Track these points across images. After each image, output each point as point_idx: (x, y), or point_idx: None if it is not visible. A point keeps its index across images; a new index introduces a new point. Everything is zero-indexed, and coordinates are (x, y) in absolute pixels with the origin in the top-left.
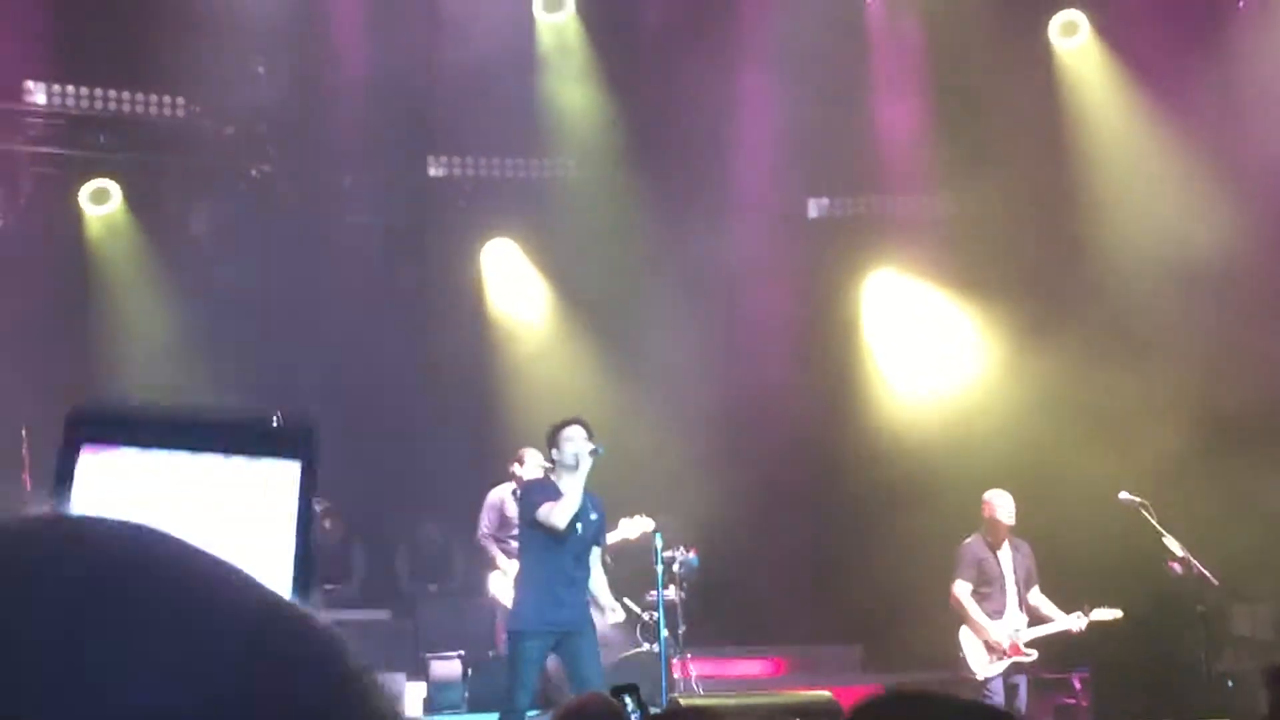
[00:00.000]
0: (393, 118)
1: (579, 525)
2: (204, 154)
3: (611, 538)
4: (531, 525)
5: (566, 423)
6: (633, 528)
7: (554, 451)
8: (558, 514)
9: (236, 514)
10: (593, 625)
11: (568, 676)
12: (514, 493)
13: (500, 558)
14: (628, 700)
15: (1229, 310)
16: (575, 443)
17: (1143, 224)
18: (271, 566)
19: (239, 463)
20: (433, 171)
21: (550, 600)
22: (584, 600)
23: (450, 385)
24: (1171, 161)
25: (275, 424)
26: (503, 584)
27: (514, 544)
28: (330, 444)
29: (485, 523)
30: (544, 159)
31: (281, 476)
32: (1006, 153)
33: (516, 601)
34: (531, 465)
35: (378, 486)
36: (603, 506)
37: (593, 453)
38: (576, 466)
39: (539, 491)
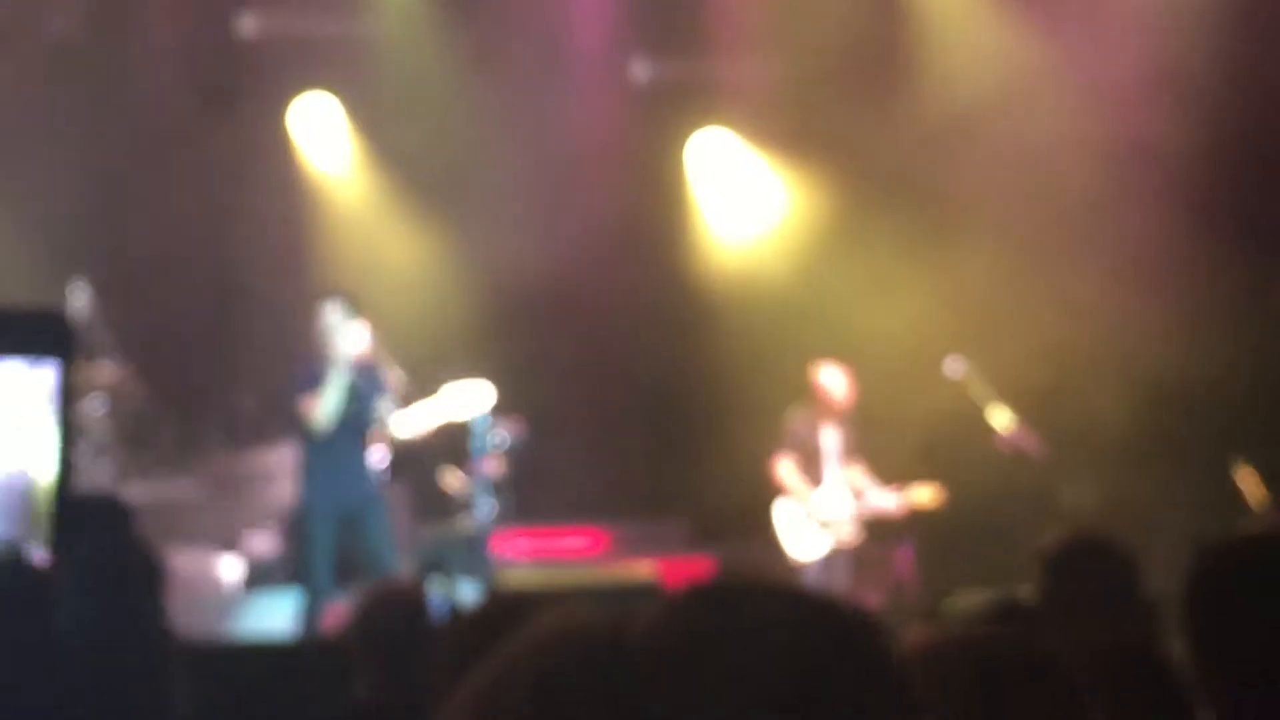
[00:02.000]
0: None
1: (353, 407)
2: None
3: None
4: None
5: (326, 297)
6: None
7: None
8: (319, 411)
9: None
10: (382, 502)
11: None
12: None
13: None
14: (434, 583)
15: (1066, 181)
16: (329, 322)
17: (976, 92)
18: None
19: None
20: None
21: (330, 480)
22: (368, 476)
23: (259, 247)
24: (1009, 30)
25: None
26: None
27: None
28: (134, 305)
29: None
30: (363, 15)
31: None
32: (837, 13)
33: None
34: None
35: (187, 349)
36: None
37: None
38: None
39: (303, 380)
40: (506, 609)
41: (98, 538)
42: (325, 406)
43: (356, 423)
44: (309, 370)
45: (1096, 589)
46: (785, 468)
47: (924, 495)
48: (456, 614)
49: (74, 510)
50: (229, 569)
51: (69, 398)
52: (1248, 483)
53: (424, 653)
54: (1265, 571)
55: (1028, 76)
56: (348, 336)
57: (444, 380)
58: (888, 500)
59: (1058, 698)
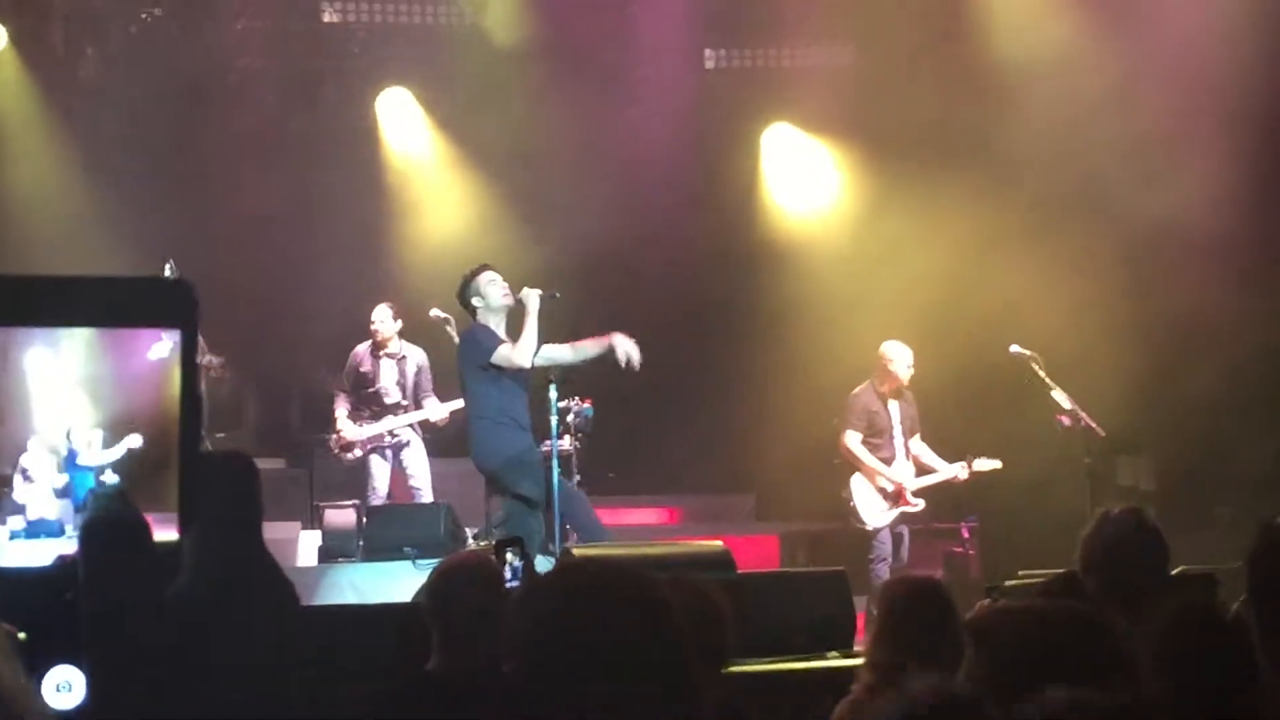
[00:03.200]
0: None
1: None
2: None
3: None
4: (486, 368)
5: (480, 269)
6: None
7: (476, 300)
8: (521, 354)
9: (114, 384)
10: None
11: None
12: (373, 351)
13: (339, 411)
14: (509, 555)
15: (1136, 174)
16: (498, 284)
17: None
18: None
19: (116, 334)
20: (327, 17)
21: (524, 434)
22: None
23: (340, 234)
24: (1084, 28)
25: (151, 291)
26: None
27: (362, 404)
28: (219, 292)
29: (345, 376)
30: (440, 6)
31: (159, 344)
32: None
33: (501, 433)
34: (380, 321)
35: (267, 334)
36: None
37: (550, 296)
38: (502, 309)
39: (487, 335)
40: (576, 580)
41: (226, 487)
42: (529, 347)
43: (527, 384)
44: (485, 330)
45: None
46: (854, 440)
47: (989, 466)
48: (528, 584)
49: (204, 465)
50: (306, 545)
51: (191, 364)
52: None
53: (494, 623)
54: None
55: (1085, 54)
56: (536, 296)
57: None
58: (954, 471)
59: (1110, 662)
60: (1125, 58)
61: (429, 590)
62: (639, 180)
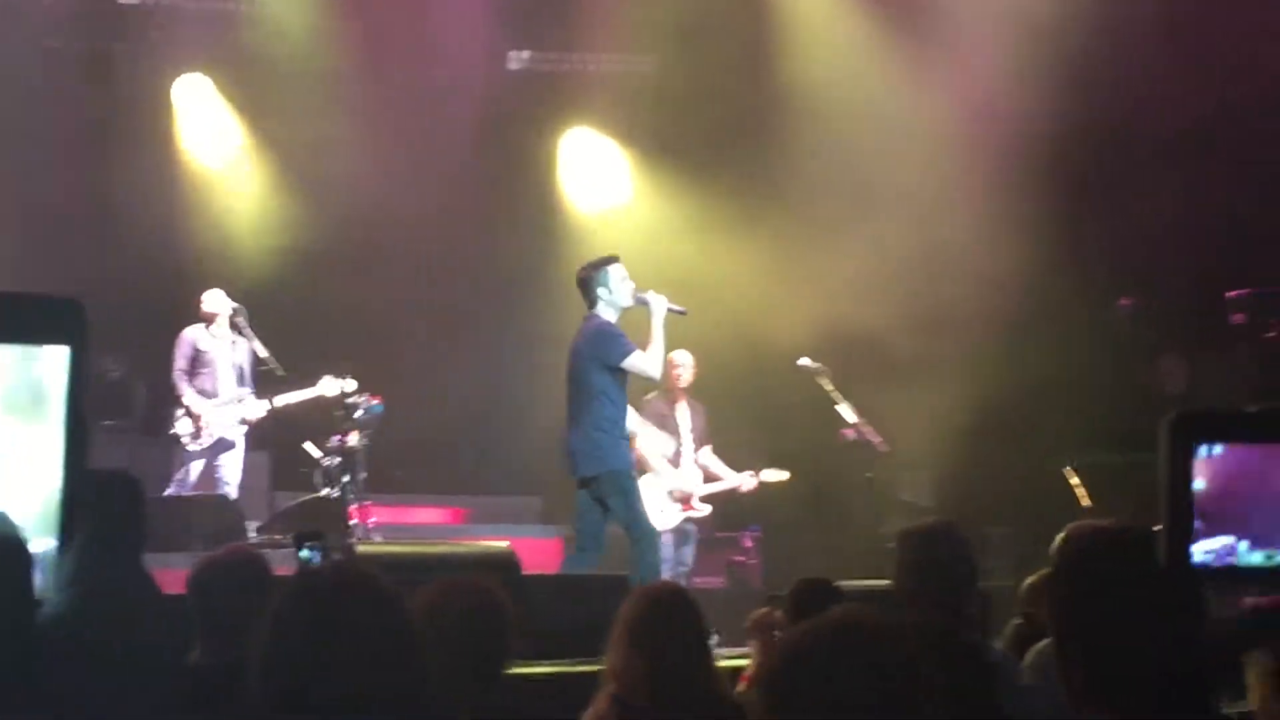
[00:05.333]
0: None
1: None
2: None
3: (308, 394)
4: (615, 370)
5: (610, 260)
6: (332, 386)
7: (602, 290)
8: (653, 364)
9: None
10: None
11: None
12: (207, 331)
13: (189, 394)
14: (304, 553)
15: (937, 181)
16: (629, 282)
17: (846, 96)
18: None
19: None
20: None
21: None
22: None
23: (133, 220)
24: (877, 40)
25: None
26: (186, 425)
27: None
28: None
29: (180, 360)
30: None
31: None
32: (708, 15)
33: (610, 443)
34: (212, 304)
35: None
36: None
37: (679, 312)
38: (627, 305)
39: (622, 337)
40: (312, 580)
41: (108, 507)
42: (659, 359)
43: None
44: (618, 329)
45: (943, 576)
46: (643, 443)
47: (776, 477)
48: (298, 582)
49: (85, 485)
50: None
51: (79, 382)
52: (1074, 483)
53: (258, 620)
54: (1121, 561)
55: (884, 75)
56: (663, 304)
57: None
58: (740, 480)
59: (901, 676)
60: (917, 88)
61: (189, 583)
62: (434, 177)
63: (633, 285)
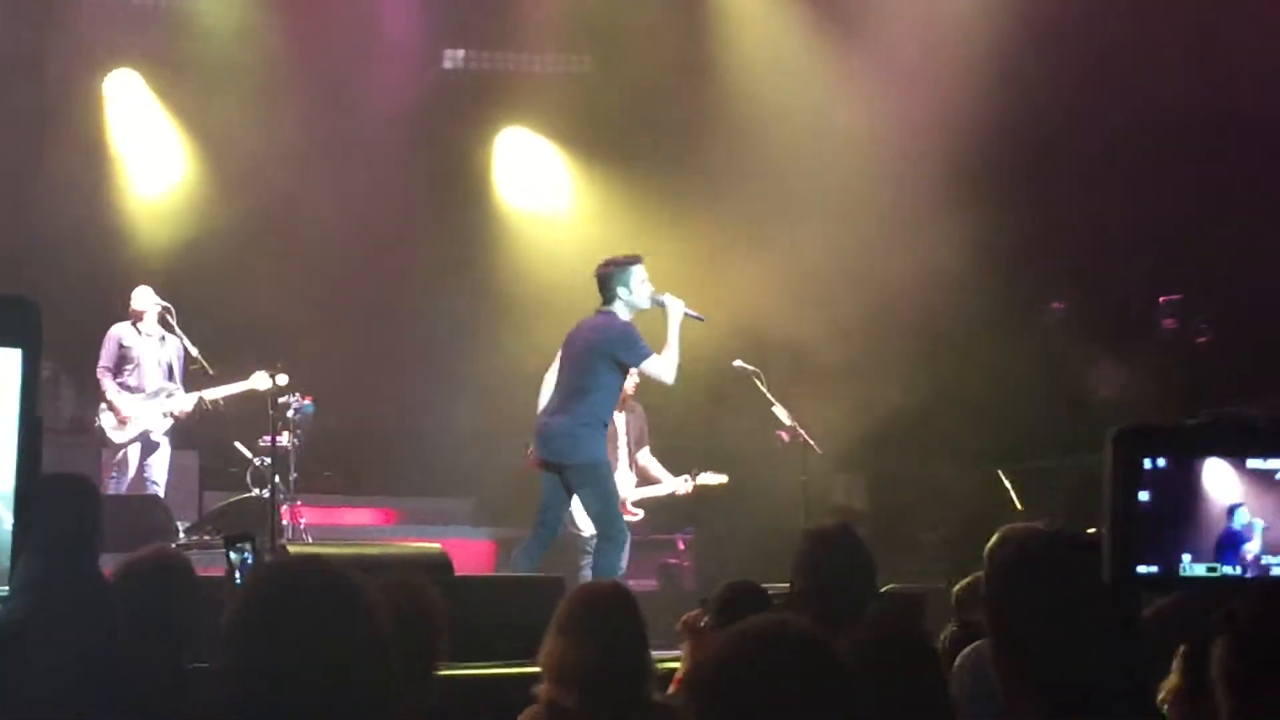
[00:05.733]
0: None
1: None
2: None
3: (240, 387)
4: (624, 368)
5: (634, 259)
6: (264, 381)
7: (622, 290)
8: (669, 369)
9: None
10: None
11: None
12: (133, 329)
13: (112, 390)
14: (232, 556)
15: (868, 185)
16: (649, 285)
17: (778, 98)
18: None
19: None
20: None
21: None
22: None
23: (61, 216)
24: (810, 43)
25: None
26: (109, 418)
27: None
28: None
29: (105, 357)
30: None
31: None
32: (643, 16)
33: (595, 436)
34: (141, 302)
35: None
36: None
37: (696, 318)
38: (644, 307)
39: (639, 339)
40: (283, 577)
41: (61, 509)
42: (673, 366)
43: None
44: (634, 330)
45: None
46: None
47: (713, 480)
48: (236, 582)
49: (39, 489)
50: None
51: (32, 384)
52: (1007, 486)
53: (178, 621)
54: (1058, 563)
55: (817, 78)
56: (681, 309)
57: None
58: (677, 485)
59: (832, 680)
60: (849, 91)
61: (111, 584)
62: (368, 176)
63: (652, 288)
